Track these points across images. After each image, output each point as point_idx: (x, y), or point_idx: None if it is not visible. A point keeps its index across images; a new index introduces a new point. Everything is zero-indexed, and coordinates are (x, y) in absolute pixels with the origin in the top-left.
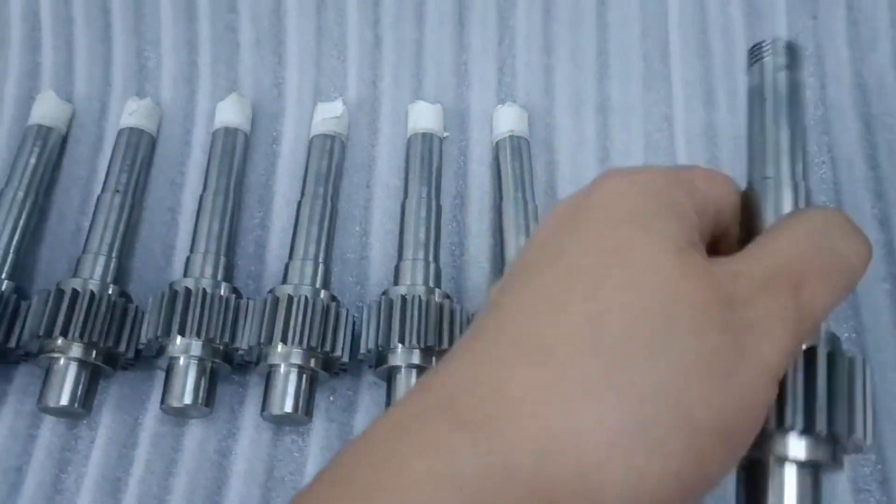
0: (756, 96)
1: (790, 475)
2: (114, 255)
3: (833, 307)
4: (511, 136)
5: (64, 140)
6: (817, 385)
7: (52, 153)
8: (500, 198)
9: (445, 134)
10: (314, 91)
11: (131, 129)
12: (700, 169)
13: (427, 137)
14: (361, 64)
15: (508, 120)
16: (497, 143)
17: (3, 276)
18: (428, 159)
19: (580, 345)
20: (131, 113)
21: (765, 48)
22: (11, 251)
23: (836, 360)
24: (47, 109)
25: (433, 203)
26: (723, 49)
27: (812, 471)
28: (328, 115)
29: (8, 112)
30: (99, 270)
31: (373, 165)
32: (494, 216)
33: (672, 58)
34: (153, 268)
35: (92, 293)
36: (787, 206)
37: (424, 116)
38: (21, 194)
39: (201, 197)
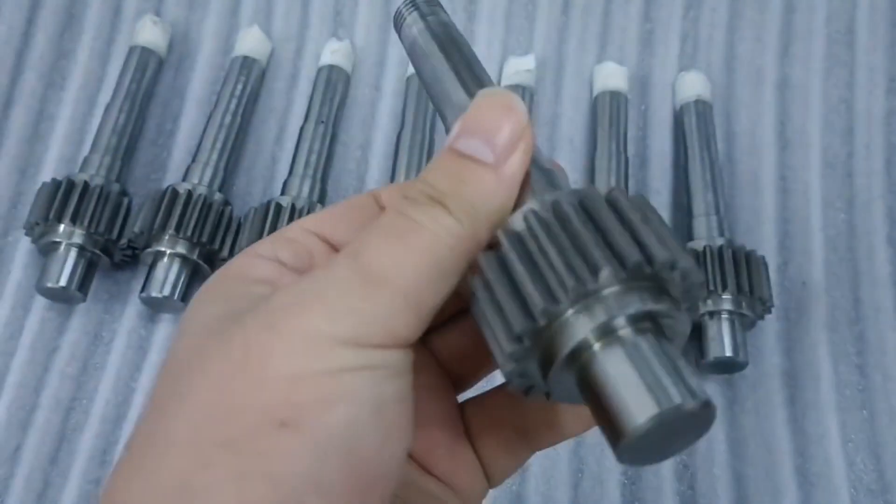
0: (417, 57)
1: (615, 355)
2: (318, 178)
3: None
4: (697, 101)
5: (262, 74)
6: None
7: (254, 84)
8: (686, 158)
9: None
10: (502, 47)
11: (331, 67)
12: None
13: (615, 96)
14: (549, 25)
15: (695, 86)
16: (682, 107)
17: (215, 188)
18: (616, 118)
19: None
20: (333, 52)
21: (403, 10)
22: (221, 168)
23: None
24: (252, 43)
25: (622, 157)
26: None
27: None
28: (521, 67)
29: (208, 44)
30: (305, 190)
31: (556, 121)
32: (675, 175)
33: (857, 45)
34: (343, 197)
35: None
36: None
37: (613, 76)
38: (228, 118)
39: (399, 135)
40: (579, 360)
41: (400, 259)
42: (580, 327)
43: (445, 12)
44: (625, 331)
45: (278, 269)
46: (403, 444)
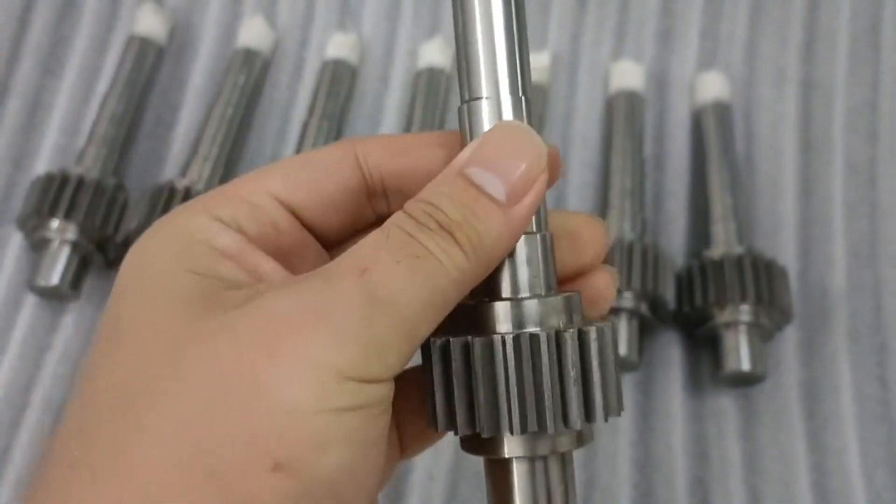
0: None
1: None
2: None
3: (417, 295)
4: (716, 104)
5: (265, 66)
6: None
7: (258, 76)
8: (704, 160)
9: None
10: None
11: (336, 61)
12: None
13: (631, 96)
14: (563, 20)
15: (714, 87)
16: (701, 109)
17: (215, 183)
18: (631, 118)
19: None
20: (338, 45)
21: None
22: (221, 163)
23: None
24: (255, 34)
25: (638, 158)
26: None
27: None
28: (535, 65)
29: (210, 33)
30: None
31: (570, 117)
32: (693, 176)
33: (882, 44)
34: None
35: None
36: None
37: (630, 75)
38: (230, 111)
39: (408, 132)
40: (499, 459)
41: (408, 285)
42: (512, 449)
43: None
44: (545, 459)
45: (242, 242)
46: (380, 477)
